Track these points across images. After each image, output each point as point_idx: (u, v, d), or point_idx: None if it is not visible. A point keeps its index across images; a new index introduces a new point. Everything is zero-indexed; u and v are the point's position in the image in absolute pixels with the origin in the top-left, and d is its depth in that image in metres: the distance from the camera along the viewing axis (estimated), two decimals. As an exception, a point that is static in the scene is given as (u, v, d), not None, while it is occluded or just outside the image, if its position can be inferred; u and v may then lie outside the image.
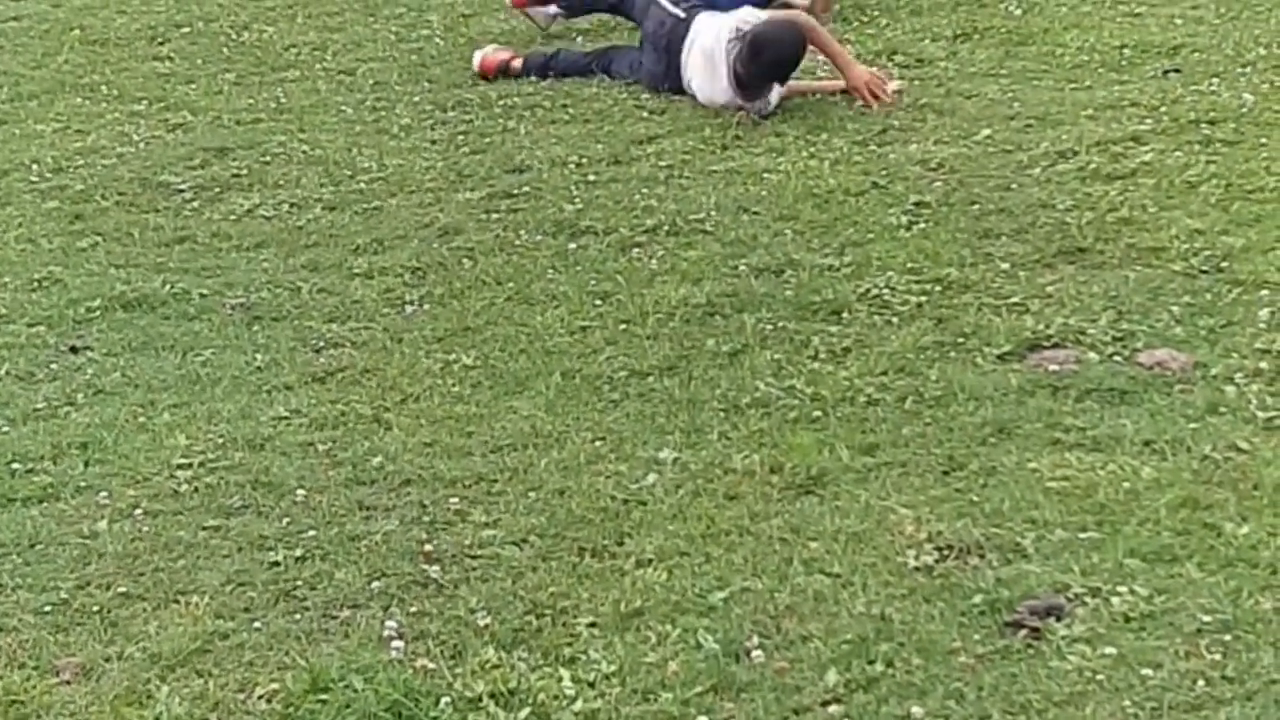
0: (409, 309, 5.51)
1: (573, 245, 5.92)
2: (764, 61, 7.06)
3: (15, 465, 4.56)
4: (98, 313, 5.55)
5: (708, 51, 7.20)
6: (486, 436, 4.63)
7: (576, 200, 6.30)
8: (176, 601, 3.91)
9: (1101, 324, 5.03)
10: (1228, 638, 3.55)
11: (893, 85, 7.25)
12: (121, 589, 3.96)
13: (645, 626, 3.72)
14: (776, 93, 7.17)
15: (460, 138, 7.09)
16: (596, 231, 6.01)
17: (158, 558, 4.09)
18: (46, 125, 7.53)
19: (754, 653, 3.60)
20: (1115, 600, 3.69)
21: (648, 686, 3.52)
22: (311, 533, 4.17)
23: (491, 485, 4.37)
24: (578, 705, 3.47)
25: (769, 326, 5.18)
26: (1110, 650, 3.52)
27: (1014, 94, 7.22)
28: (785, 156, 6.62)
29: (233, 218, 6.39)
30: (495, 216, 6.24)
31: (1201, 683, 3.43)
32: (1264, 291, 5.17)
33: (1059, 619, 3.63)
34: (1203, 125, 6.62)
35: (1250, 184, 6.00)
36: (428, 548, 4.07)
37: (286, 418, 4.78)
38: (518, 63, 7.81)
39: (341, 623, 3.80)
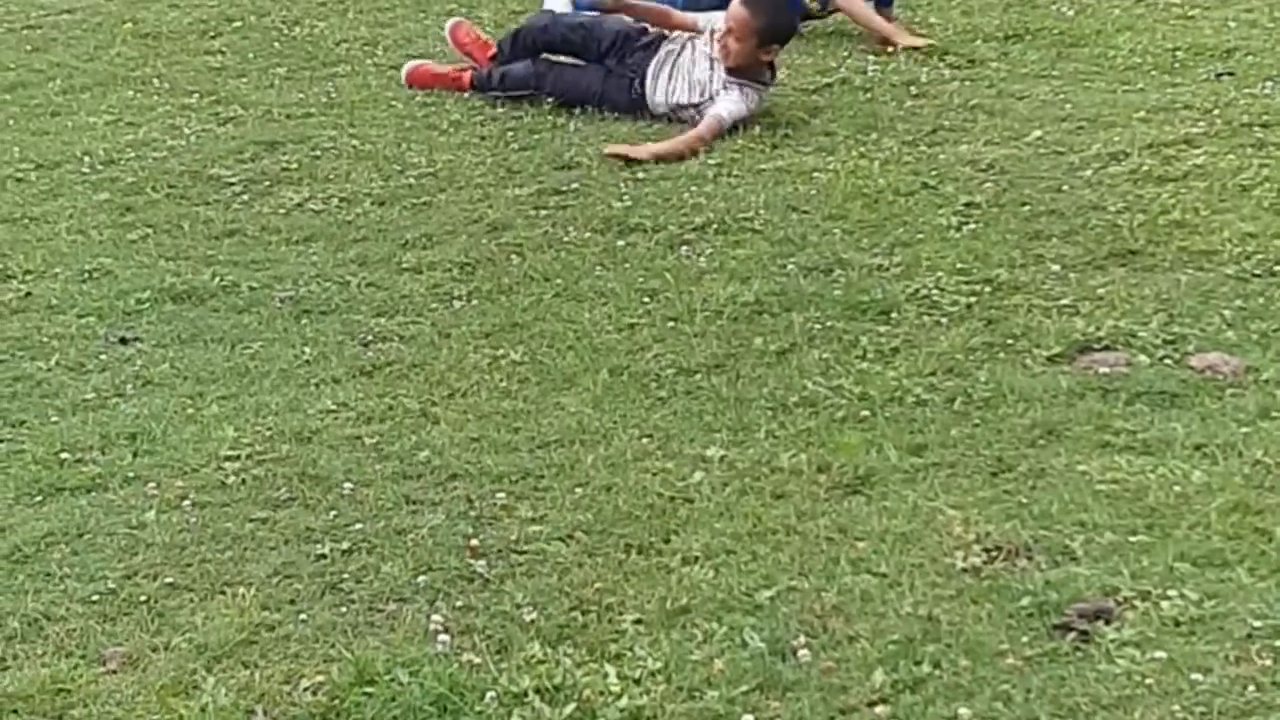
0: (457, 304, 5.51)
1: (621, 242, 5.92)
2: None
3: (64, 455, 4.58)
4: (147, 304, 5.56)
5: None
6: (533, 432, 4.62)
7: (625, 197, 6.29)
8: (223, 593, 3.91)
9: (1152, 327, 5.00)
10: (1279, 643, 3.52)
11: None
12: (169, 579, 3.97)
13: (691, 624, 3.71)
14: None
15: (510, 134, 7.09)
16: (645, 229, 6.00)
17: (205, 549, 4.10)
18: (98, 118, 7.56)
19: (800, 652, 3.59)
20: (1165, 604, 3.66)
21: (693, 684, 3.51)
22: (358, 526, 4.17)
23: (538, 481, 4.37)
24: (623, 702, 3.45)
25: (817, 325, 5.17)
26: (1160, 654, 3.50)
27: (1065, 95, 7.20)
28: (835, 156, 6.60)
29: (282, 211, 6.40)
30: (544, 213, 6.24)
31: (1252, 688, 3.40)
32: (1317, 296, 5.14)
33: (1108, 622, 3.61)
34: (1256, 128, 6.60)
35: (1304, 188, 5.97)
36: (474, 542, 4.07)
37: (334, 411, 4.79)
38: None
39: (387, 616, 3.80)
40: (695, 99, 7.07)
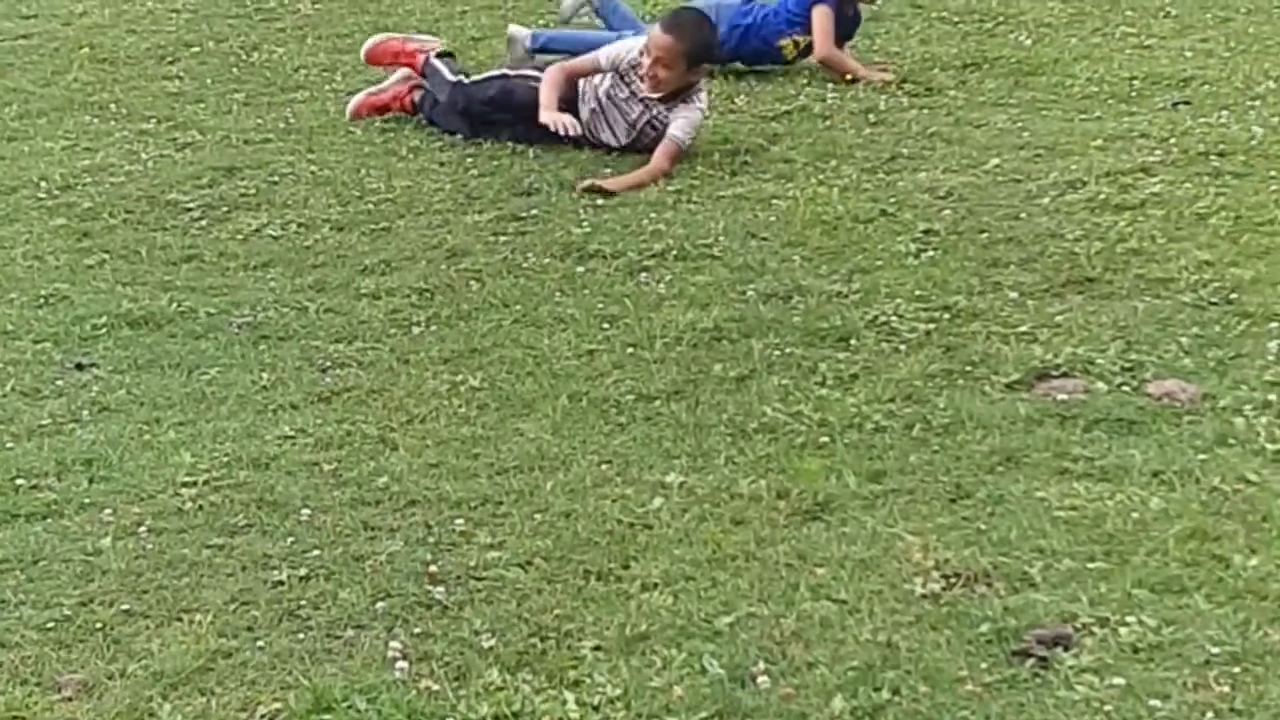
0: (416, 330, 5.50)
1: (580, 269, 5.91)
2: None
3: (20, 481, 4.54)
4: (104, 330, 5.54)
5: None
6: (492, 458, 4.61)
7: (584, 224, 6.29)
8: (179, 619, 3.88)
9: (1110, 354, 5.02)
10: (1236, 669, 3.53)
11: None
12: (124, 606, 3.94)
13: (650, 650, 3.70)
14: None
15: (469, 160, 7.08)
16: (604, 255, 6.00)
17: (161, 575, 4.07)
18: (55, 142, 7.53)
19: (760, 678, 3.58)
20: (1123, 631, 3.67)
21: (652, 711, 3.50)
22: (316, 552, 4.15)
23: (497, 507, 4.35)
24: (582, 728, 3.45)
25: (776, 352, 5.17)
26: (1118, 681, 3.51)
27: (1023, 124, 7.23)
28: (794, 183, 6.62)
29: (240, 237, 6.38)
30: (503, 239, 6.23)
31: (1210, 714, 3.41)
32: (1273, 324, 5.17)
33: (1066, 649, 3.61)
34: (1212, 157, 6.64)
35: (1260, 216, 6.00)
36: (432, 569, 4.05)
37: (292, 437, 4.77)
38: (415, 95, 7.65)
39: (345, 643, 3.78)
40: (649, 136, 7.00)
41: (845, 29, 8.22)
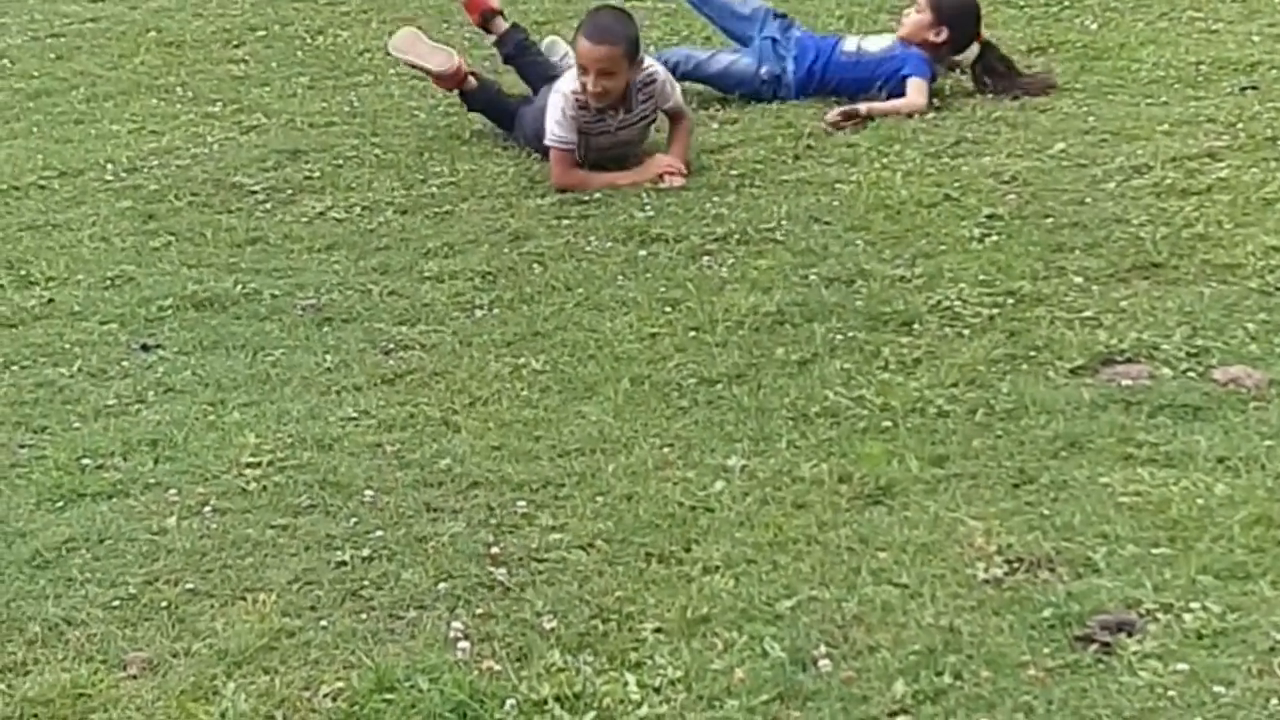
0: (479, 313, 5.52)
1: (643, 252, 5.91)
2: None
3: (86, 461, 4.58)
4: (169, 311, 5.58)
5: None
6: (554, 440, 4.62)
7: (647, 208, 6.29)
8: (244, 599, 3.91)
9: (1175, 339, 4.98)
10: (1301, 657, 3.52)
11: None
12: (189, 585, 3.97)
13: (712, 633, 3.70)
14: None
15: (532, 144, 7.08)
16: (667, 239, 6.00)
17: (225, 555, 4.10)
18: (122, 125, 7.59)
19: (821, 662, 3.58)
20: (1187, 617, 3.65)
21: (713, 693, 3.50)
22: (379, 533, 4.17)
23: (559, 489, 4.36)
24: (643, 710, 3.45)
25: (839, 336, 5.16)
26: (1182, 667, 3.49)
27: (1089, 108, 7.18)
28: (857, 167, 6.60)
29: (304, 220, 6.41)
30: (566, 223, 6.24)
31: (1274, 701, 3.38)
32: (1341, 310, 5.13)
33: (1130, 634, 3.60)
34: (1279, 142, 6.57)
35: (1327, 202, 5.95)
36: (494, 550, 4.07)
37: (355, 418, 4.79)
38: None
39: (408, 623, 3.80)
40: (630, 133, 6.76)
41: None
